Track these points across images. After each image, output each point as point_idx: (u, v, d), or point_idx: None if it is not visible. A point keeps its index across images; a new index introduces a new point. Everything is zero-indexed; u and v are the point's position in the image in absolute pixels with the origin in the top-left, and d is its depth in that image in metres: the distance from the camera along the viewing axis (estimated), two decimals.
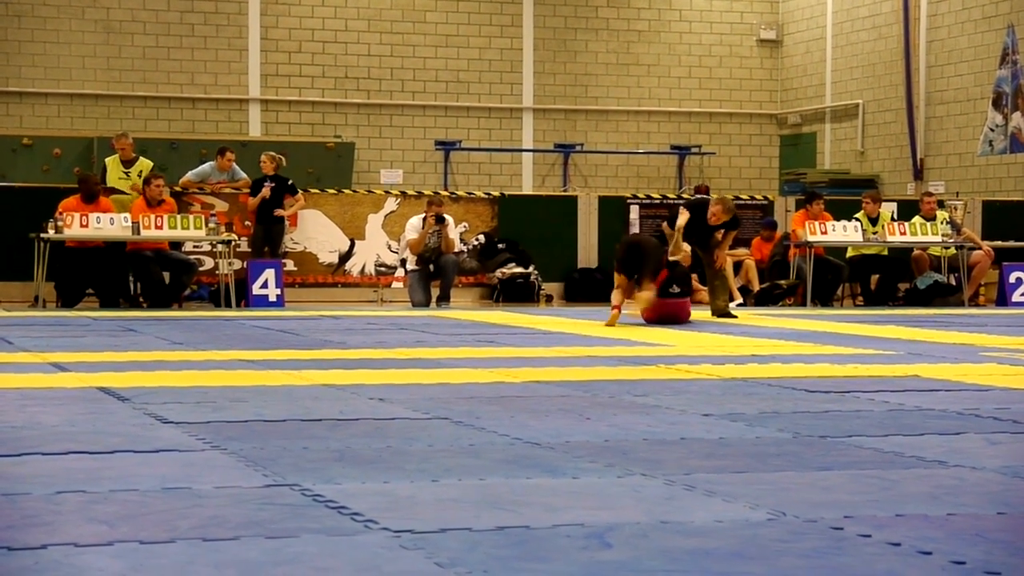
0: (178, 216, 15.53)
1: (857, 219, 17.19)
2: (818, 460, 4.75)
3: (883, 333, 11.52)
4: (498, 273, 17.82)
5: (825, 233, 16.82)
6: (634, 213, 18.69)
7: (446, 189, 22.28)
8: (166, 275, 15.67)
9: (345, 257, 17.55)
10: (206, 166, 17.35)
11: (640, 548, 3.36)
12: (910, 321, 13.43)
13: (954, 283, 17.60)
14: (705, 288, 14.92)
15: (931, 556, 3.29)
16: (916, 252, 17.59)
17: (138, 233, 15.18)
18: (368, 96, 25.14)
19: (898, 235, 17.10)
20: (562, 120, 26.11)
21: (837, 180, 24.26)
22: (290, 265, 17.10)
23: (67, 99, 23.91)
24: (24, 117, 23.73)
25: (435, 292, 16.37)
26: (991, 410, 6.13)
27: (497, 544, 3.39)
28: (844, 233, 16.98)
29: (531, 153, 25.93)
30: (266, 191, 16.53)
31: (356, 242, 17.56)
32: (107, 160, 17.08)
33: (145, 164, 16.76)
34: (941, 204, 18.26)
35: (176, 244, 15.87)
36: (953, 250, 17.57)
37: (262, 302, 15.71)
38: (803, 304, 16.64)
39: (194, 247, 16.41)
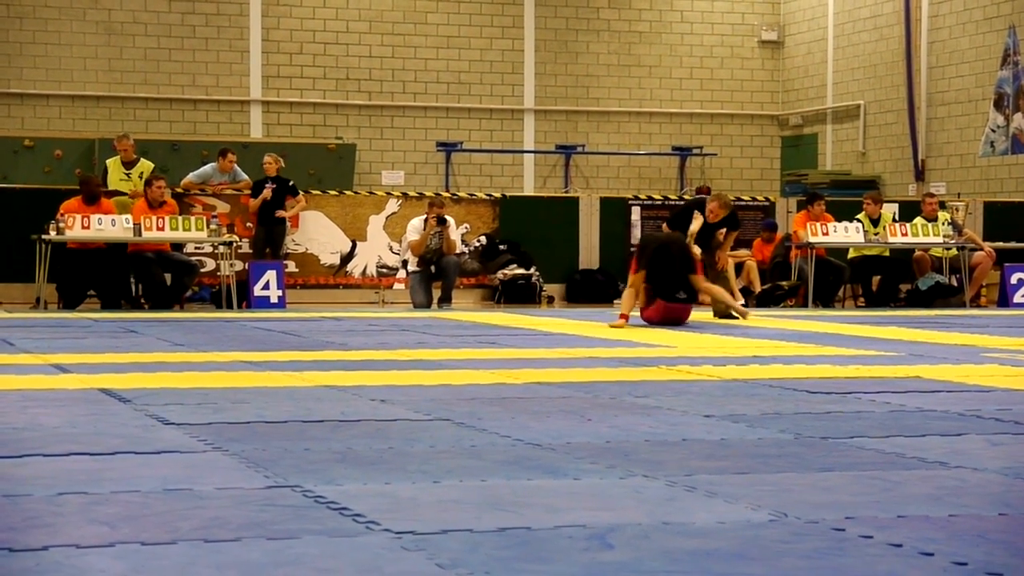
0: (179, 217, 15.53)
1: (858, 220, 17.20)
2: (820, 461, 4.75)
3: (884, 334, 11.52)
4: (499, 274, 17.82)
5: (826, 234, 16.83)
6: (635, 214, 18.70)
7: (447, 190, 22.28)
8: (167, 276, 15.67)
9: (347, 258, 17.55)
10: (207, 167, 17.35)
11: (642, 549, 3.36)
12: (911, 322, 13.42)
13: (955, 284, 17.60)
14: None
15: (933, 557, 3.29)
16: (917, 253, 17.58)
17: (139, 234, 15.18)
18: (369, 97, 25.14)
19: (899, 236, 17.10)
20: (563, 121, 26.11)
21: (838, 181, 24.27)
22: (291, 266, 17.10)
23: (68, 100, 23.92)
24: (25, 119, 23.74)
25: (436, 293, 16.37)
26: (993, 411, 6.13)
27: (498, 545, 3.39)
28: (845, 234, 16.98)
29: (532, 154, 25.93)
30: (267, 192, 16.53)
31: (357, 243, 17.56)
32: (108, 161, 17.09)
33: (146, 165, 16.77)
34: (942, 205, 18.26)
35: (177, 245, 15.87)
36: (954, 251, 17.57)
37: (263, 303, 15.72)
38: (804, 305, 16.64)
39: (195, 248, 16.42)
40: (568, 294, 18.25)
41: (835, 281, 17.18)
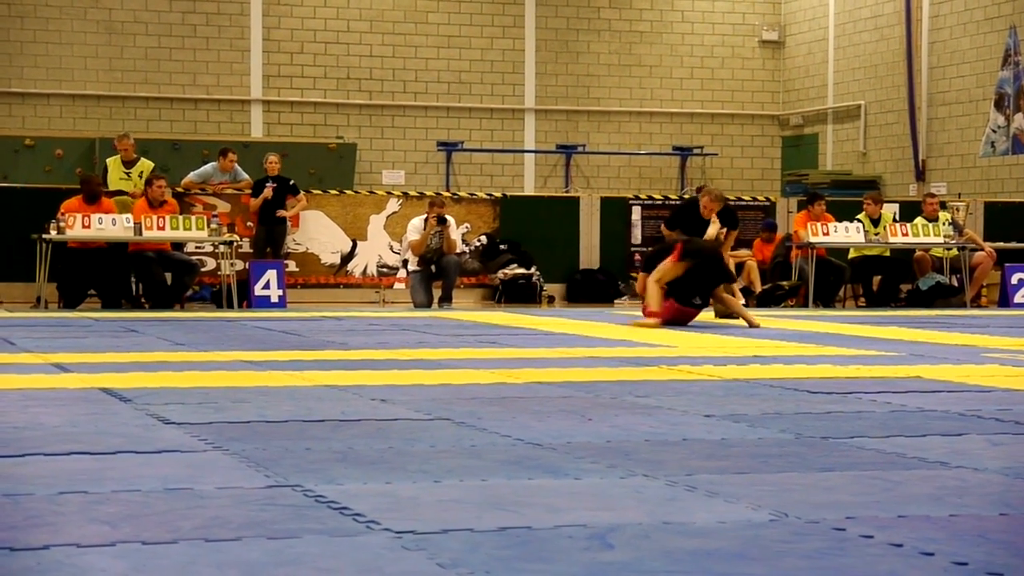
0: (180, 217, 15.53)
1: (859, 220, 17.19)
2: (820, 461, 4.74)
3: (885, 334, 11.52)
4: (500, 274, 17.82)
5: (827, 234, 16.82)
6: (636, 214, 18.70)
7: (448, 190, 22.28)
8: (168, 276, 15.67)
9: (347, 258, 17.55)
10: (208, 167, 17.35)
11: (642, 549, 3.36)
12: (912, 322, 13.42)
13: (956, 284, 17.60)
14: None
15: (933, 557, 3.29)
16: (918, 253, 17.58)
17: (140, 234, 15.18)
18: (370, 97, 25.14)
19: (900, 236, 17.10)
20: (564, 121, 26.11)
21: (839, 181, 24.26)
22: (292, 266, 17.10)
23: (69, 100, 23.92)
24: (26, 118, 23.74)
25: (437, 293, 16.37)
26: (993, 411, 6.13)
27: (499, 545, 3.39)
28: (846, 234, 16.98)
29: (533, 154, 25.93)
30: (268, 192, 16.53)
31: (358, 243, 17.56)
32: (108, 161, 17.09)
33: (146, 165, 16.78)
34: (943, 205, 18.26)
35: (178, 245, 15.87)
36: (955, 251, 17.57)
37: (264, 303, 15.72)
38: (805, 305, 16.64)
39: (196, 248, 16.42)
40: (568, 294, 18.25)
41: (836, 281, 17.18)
